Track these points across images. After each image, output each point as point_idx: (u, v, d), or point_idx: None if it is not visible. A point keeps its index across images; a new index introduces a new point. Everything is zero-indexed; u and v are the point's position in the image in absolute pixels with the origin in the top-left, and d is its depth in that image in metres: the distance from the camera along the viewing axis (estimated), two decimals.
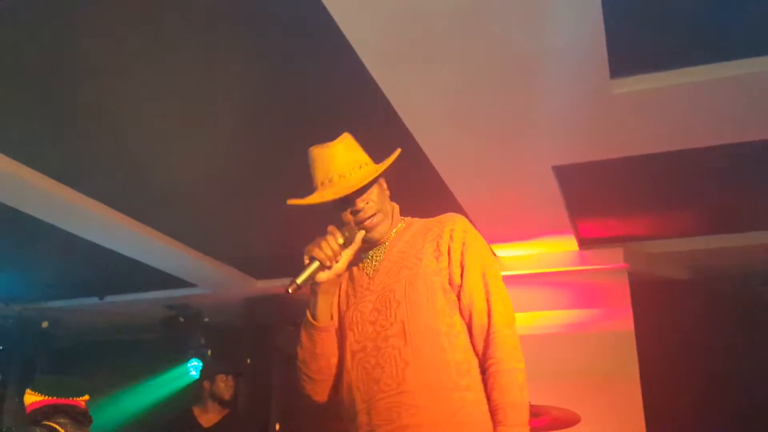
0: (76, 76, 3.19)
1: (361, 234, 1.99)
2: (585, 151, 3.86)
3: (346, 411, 1.98)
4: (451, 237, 1.97)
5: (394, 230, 2.09)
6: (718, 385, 5.03)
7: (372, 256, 2.07)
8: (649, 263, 5.30)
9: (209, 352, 6.68)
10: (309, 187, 2.21)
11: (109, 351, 7.22)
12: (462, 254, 1.95)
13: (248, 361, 6.50)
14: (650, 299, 5.24)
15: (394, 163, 2.04)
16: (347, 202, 1.98)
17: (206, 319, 6.78)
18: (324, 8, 2.55)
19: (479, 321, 1.88)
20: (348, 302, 2.06)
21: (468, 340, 1.89)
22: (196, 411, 4.75)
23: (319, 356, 2.04)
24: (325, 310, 2.02)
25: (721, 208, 4.70)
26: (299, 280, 1.88)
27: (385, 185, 2.12)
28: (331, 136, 2.07)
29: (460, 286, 1.93)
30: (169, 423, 4.92)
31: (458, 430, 1.79)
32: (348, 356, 1.96)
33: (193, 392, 5.21)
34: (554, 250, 5.27)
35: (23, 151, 3.91)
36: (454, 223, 2.01)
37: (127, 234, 4.97)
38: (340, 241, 1.94)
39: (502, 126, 3.57)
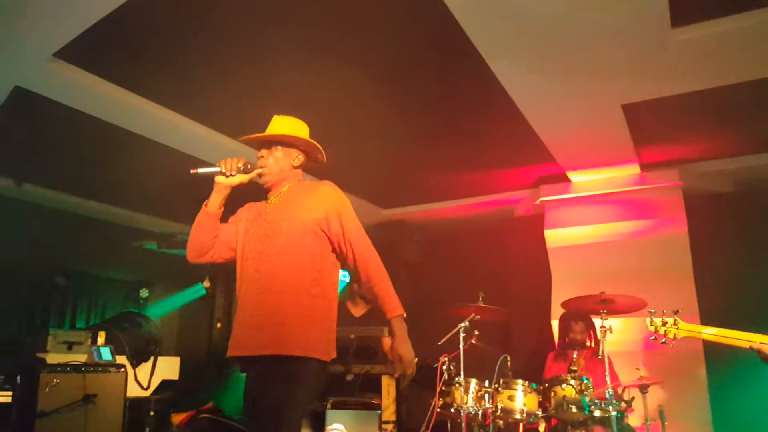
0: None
1: (257, 171, 2.30)
2: (649, 90, 3.63)
3: (238, 299, 2.25)
4: (321, 196, 2.25)
5: (287, 186, 2.32)
6: (754, 271, 4.69)
7: (271, 199, 2.32)
8: (701, 180, 4.95)
9: None
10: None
11: None
12: (327, 208, 2.21)
13: None
14: (701, 209, 4.91)
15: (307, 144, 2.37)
16: (263, 148, 2.33)
17: None
18: None
19: (347, 249, 2.21)
20: (250, 225, 2.31)
21: (328, 264, 2.24)
22: (349, 304, 5.00)
23: (203, 232, 2.30)
24: (215, 203, 2.30)
25: (760, 132, 4.29)
26: (199, 171, 2.24)
27: (296, 157, 2.37)
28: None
29: (330, 228, 2.21)
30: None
31: (299, 321, 2.10)
32: (242, 261, 2.26)
33: (347, 292, 5.49)
34: (620, 174, 5.00)
35: (197, 109, 4.02)
36: (324, 188, 2.28)
37: None
38: (240, 165, 2.25)
39: (580, 72, 3.40)
